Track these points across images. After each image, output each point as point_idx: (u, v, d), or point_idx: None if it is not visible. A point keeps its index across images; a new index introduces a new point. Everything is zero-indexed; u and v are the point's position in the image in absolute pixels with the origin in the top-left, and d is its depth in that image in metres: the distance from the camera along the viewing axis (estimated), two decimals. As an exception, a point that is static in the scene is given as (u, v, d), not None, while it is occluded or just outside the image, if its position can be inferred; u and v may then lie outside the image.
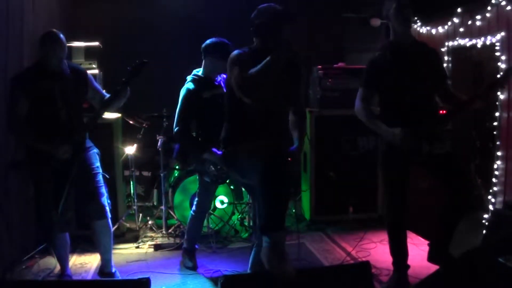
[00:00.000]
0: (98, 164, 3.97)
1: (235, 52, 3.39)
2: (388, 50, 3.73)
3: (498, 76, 3.74)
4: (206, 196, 4.42)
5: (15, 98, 3.72)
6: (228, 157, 3.51)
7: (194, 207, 4.45)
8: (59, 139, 3.67)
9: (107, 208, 3.93)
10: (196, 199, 4.45)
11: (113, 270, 4.11)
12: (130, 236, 5.34)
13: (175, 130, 4.21)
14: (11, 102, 3.77)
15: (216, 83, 4.29)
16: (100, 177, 3.94)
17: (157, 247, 4.99)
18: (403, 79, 3.63)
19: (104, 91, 4.15)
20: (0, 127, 4.07)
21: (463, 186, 3.67)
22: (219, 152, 3.95)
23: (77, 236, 4.58)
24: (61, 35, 3.78)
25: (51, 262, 4.48)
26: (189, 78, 4.30)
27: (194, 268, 4.44)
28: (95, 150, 4.01)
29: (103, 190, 3.94)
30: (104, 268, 4.08)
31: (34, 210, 4.04)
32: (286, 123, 3.65)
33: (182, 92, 4.21)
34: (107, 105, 3.86)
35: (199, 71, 4.31)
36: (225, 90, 4.12)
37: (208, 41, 4.25)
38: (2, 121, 4.02)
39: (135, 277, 3.39)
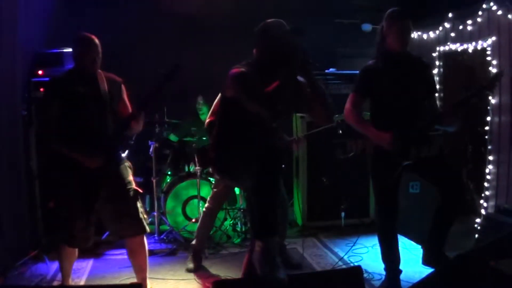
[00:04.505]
0: (130, 178, 3.80)
1: (237, 71, 3.25)
2: (381, 58, 3.76)
3: (486, 80, 3.77)
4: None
5: (48, 104, 3.57)
6: (220, 161, 3.49)
7: (207, 203, 4.61)
8: (91, 147, 3.50)
9: (145, 223, 3.77)
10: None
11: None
12: (122, 242, 5.29)
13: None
14: (43, 108, 3.67)
15: None
16: (133, 192, 3.75)
17: (149, 253, 4.95)
18: (393, 86, 3.67)
19: None
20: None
21: (455, 188, 3.70)
22: None
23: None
24: (94, 38, 3.61)
25: (44, 268, 4.46)
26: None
27: (194, 270, 4.48)
28: (127, 164, 3.83)
29: (138, 205, 3.76)
30: None
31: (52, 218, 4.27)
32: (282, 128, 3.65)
33: None
34: (141, 108, 3.64)
35: None
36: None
37: None
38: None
39: (128, 283, 3.38)
